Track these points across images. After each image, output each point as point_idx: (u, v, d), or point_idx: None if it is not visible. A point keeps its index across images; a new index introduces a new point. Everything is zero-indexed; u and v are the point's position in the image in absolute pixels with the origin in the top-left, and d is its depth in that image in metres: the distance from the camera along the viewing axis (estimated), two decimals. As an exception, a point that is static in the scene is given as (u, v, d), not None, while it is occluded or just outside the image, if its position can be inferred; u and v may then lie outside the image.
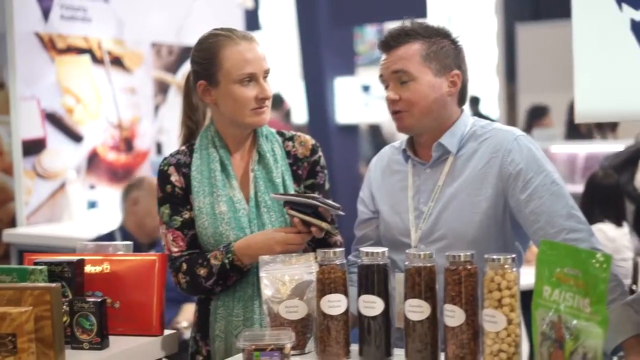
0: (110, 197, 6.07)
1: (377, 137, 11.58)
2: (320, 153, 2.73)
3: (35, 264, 2.45)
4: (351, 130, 9.03)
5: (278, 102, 9.44)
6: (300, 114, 10.92)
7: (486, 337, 2.05)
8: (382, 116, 9.89)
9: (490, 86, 13.95)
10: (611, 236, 4.97)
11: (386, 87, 2.55)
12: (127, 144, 6.28)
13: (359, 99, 9.05)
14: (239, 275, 2.56)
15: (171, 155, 2.70)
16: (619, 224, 5.16)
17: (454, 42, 2.54)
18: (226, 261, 2.53)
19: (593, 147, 8.15)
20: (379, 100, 9.62)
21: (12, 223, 5.53)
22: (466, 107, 2.61)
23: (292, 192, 2.64)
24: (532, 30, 13.17)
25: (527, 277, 2.10)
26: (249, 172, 2.65)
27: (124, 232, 4.74)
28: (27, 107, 5.56)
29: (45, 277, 2.39)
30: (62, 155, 5.79)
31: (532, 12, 13.88)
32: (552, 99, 11.74)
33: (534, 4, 14.00)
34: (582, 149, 8.11)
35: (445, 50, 2.50)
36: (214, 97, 2.62)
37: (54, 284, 2.26)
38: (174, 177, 2.64)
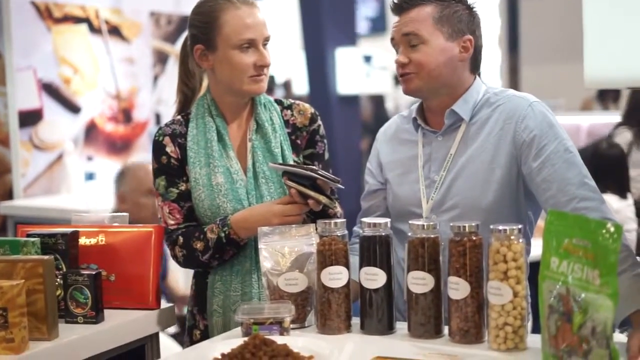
0: (108, 168, 6.02)
1: (381, 108, 11.55)
2: (319, 122, 2.66)
3: (28, 235, 2.39)
4: (352, 100, 8.96)
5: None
6: (301, 85, 10.86)
7: (491, 310, 2.01)
8: (383, 87, 9.84)
9: (492, 57, 13.85)
10: (615, 208, 4.94)
11: (397, 50, 2.49)
12: (125, 114, 6.21)
13: (360, 70, 8.98)
14: (235, 250, 2.51)
15: (166, 125, 2.63)
16: (623, 195, 5.12)
17: (468, 7, 2.48)
18: (222, 235, 2.47)
19: (596, 118, 8.08)
20: (381, 70, 9.57)
21: (9, 195, 5.49)
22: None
23: (291, 162, 2.58)
24: (535, 0, 13.07)
25: (538, 248, 2.04)
26: (246, 142, 2.59)
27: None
28: (23, 77, 5.50)
29: (38, 249, 2.33)
30: (59, 126, 5.73)
31: (535, -19, 13.76)
32: (556, 70, 11.67)
33: (537, -27, 13.88)
34: (585, 120, 8.04)
35: (458, 14, 2.44)
36: (211, 62, 2.55)
37: (46, 257, 2.20)
38: (169, 148, 2.58)
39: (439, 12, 2.43)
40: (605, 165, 5.11)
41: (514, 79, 13.87)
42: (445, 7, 2.43)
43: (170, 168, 2.57)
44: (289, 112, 2.65)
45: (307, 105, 2.67)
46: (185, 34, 2.68)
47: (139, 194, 4.50)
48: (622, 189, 5.15)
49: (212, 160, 2.54)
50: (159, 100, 6.43)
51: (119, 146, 6.15)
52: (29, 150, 5.53)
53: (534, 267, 2.04)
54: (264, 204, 2.49)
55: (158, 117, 6.42)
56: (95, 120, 5.99)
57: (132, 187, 4.53)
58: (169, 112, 6.26)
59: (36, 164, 5.58)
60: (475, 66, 2.50)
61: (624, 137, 5.89)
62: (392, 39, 2.50)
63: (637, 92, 6.05)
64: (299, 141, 2.63)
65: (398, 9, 2.48)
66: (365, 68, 9.19)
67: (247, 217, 2.46)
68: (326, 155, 2.67)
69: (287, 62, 12.05)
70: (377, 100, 11.76)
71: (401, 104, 11.75)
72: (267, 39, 2.55)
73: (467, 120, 2.46)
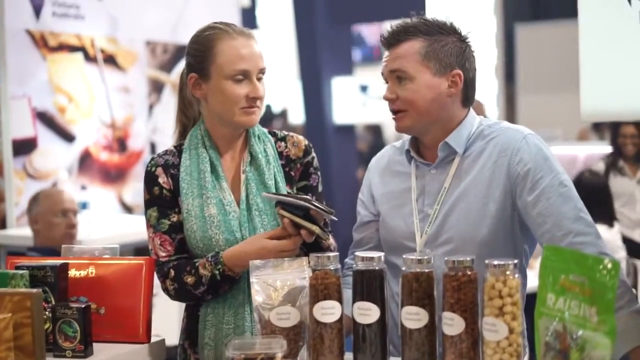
0: (102, 198, 5.99)
1: (377, 137, 11.54)
2: (313, 154, 2.64)
3: (17, 268, 2.36)
4: (348, 130, 8.97)
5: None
6: (297, 114, 10.88)
7: (486, 346, 1.96)
8: (379, 116, 9.86)
9: (489, 87, 13.89)
10: (605, 238, 4.94)
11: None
12: (120, 143, 6.19)
13: (356, 99, 8.99)
14: (230, 285, 2.48)
15: (159, 155, 2.61)
16: (610, 224, 5.12)
17: (460, 40, 2.45)
18: (216, 272, 2.44)
19: (593, 148, 8.08)
20: (377, 100, 9.58)
21: (2, 224, 5.45)
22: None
23: (285, 193, 2.55)
24: (532, 30, 13.13)
25: (535, 279, 2.01)
26: (240, 174, 2.57)
27: (40, 250, 4.61)
28: (17, 105, 5.48)
29: (27, 282, 2.30)
30: (53, 155, 5.70)
31: (531, 12, 13.85)
32: (552, 99, 11.69)
33: (533, 4, 13.96)
34: (582, 150, 8.03)
35: (447, 49, 2.42)
36: (204, 91, 2.53)
37: (34, 290, 2.17)
38: (162, 179, 2.55)
39: (426, 47, 2.40)
40: (590, 195, 5.11)
41: (510, 109, 13.89)
42: (434, 41, 2.41)
43: (162, 199, 2.54)
44: (283, 144, 2.62)
45: (301, 137, 2.65)
46: (182, 63, 2.66)
47: (51, 214, 4.64)
48: (609, 218, 5.16)
49: (205, 192, 2.51)
50: (154, 129, 6.41)
51: (113, 175, 6.12)
52: (23, 179, 5.50)
53: (529, 299, 2.01)
54: (256, 239, 2.45)
55: (153, 146, 6.39)
56: (89, 149, 5.96)
57: (45, 208, 4.67)
58: (164, 141, 6.25)
59: (30, 192, 5.52)
60: (466, 99, 2.48)
61: (598, 168, 6.00)
62: (382, 74, 2.49)
63: (616, 126, 6.14)
64: (292, 173, 2.60)
65: (387, 44, 2.47)
66: (361, 97, 9.21)
67: (240, 255, 2.43)
68: (320, 188, 2.64)
69: (283, 91, 12.05)
70: (374, 130, 11.77)
71: (399, 133, 11.76)
72: (262, 71, 2.53)
73: (461, 153, 2.44)
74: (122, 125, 6.20)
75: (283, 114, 12.69)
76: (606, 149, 6.89)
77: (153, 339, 2.45)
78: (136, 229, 5.28)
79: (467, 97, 2.48)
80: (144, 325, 2.42)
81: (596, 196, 5.15)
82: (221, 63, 2.49)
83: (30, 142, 5.57)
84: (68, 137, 5.82)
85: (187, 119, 2.67)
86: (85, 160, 5.93)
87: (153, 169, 2.57)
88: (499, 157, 2.39)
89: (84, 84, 5.94)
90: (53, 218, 4.63)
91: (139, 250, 5.05)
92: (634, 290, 2.21)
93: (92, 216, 5.79)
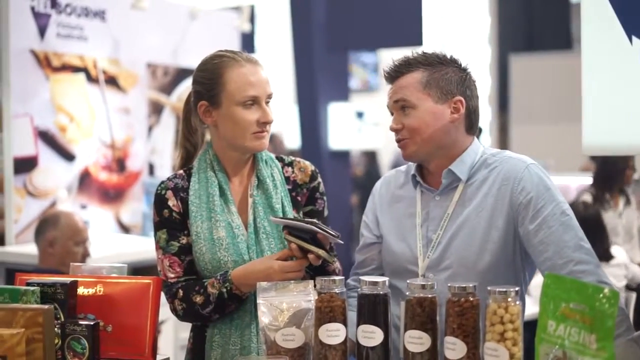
0: (101, 217, 6.02)
1: (372, 163, 11.60)
2: (319, 179, 2.70)
3: (28, 284, 2.40)
4: (344, 155, 9.01)
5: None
6: (293, 139, 10.92)
7: (487, 371, 2.02)
8: (375, 142, 9.91)
9: (482, 116, 13.95)
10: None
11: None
12: (119, 164, 6.23)
13: (352, 125, 9.04)
14: (237, 304, 2.52)
15: (168, 179, 2.66)
16: (606, 258, 5.06)
17: (460, 69, 2.53)
18: (224, 290, 2.49)
19: (586, 179, 8.13)
20: (373, 126, 9.64)
21: (1, 241, 5.47)
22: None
23: (291, 217, 2.60)
24: (526, 61, 13.21)
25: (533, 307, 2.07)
26: (247, 197, 2.62)
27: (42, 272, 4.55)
28: (19, 124, 5.51)
29: (38, 298, 2.34)
30: (53, 174, 5.73)
31: (526, 43, 13.93)
32: (545, 130, 11.77)
33: (528, 35, 14.05)
34: (574, 181, 8.08)
35: (447, 77, 2.50)
36: (215, 118, 2.59)
37: (46, 306, 2.22)
38: (172, 202, 2.61)
39: (426, 76, 2.50)
40: (584, 227, 5.04)
41: (503, 138, 13.96)
42: (434, 71, 2.50)
43: (172, 222, 2.59)
44: (290, 169, 2.68)
45: (307, 163, 2.72)
46: (182, 86, 2.72)
47: (72, 243, 4.58)
48: (605, 250, 5.08)
49: (214, 215, 2.56)
50: (153, 150, 6.44)
51: (112, 195, 6.15)
52: (23, 197, 5.53)
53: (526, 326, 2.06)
54: (264, 260, 2.51)
55: (151, 167, 6.42)
56: (89, 169, 6.00)
57: (66, 234, 4.58)
58: (162, 163, 6.28)
59: (29, 210, 5.57)
60: (470, 126, 2.55)
61: (585, 199, 5.99)
62: (388, 106, 2.58)
63: (607, 161, 6.14)
64: (299, 198, 2.66)
65: (390, 78, 2.57)
66: (357, 123, 9.26)
67: (248, 274, 2.48)
68: (325, 212, 2.70)
69: (279, 115, 12.12)
70: (369, 156, 11.82)
71: (392, 160, 11.82)
72: (269, 96, 2.59)
73: (464, 181, 2.50)
74: (122, 146, 6.24)
75: (272, 138, 12.72)
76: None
77: (159, 357, 2.50)
78: (133, 249, 5.32)
79: (471, 124, 2.56)
80: (149, 344, 2.46)
81: (589, 228, 5.10)
82: (231, 90, 2.55)
83: (31, 161, 5.60)
84: (68, 157, 5.85)
85: (190, 145, 2.73)
86: (85, 180, 5.97)
87: (163, 192, 2.62)
88: (501, 185, 2.46)
89: (85, 104, 5.98)
90: (73, 247, 4.56)
91: (137, 270, 5.06)
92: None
93: (91, 235, 5.83)
